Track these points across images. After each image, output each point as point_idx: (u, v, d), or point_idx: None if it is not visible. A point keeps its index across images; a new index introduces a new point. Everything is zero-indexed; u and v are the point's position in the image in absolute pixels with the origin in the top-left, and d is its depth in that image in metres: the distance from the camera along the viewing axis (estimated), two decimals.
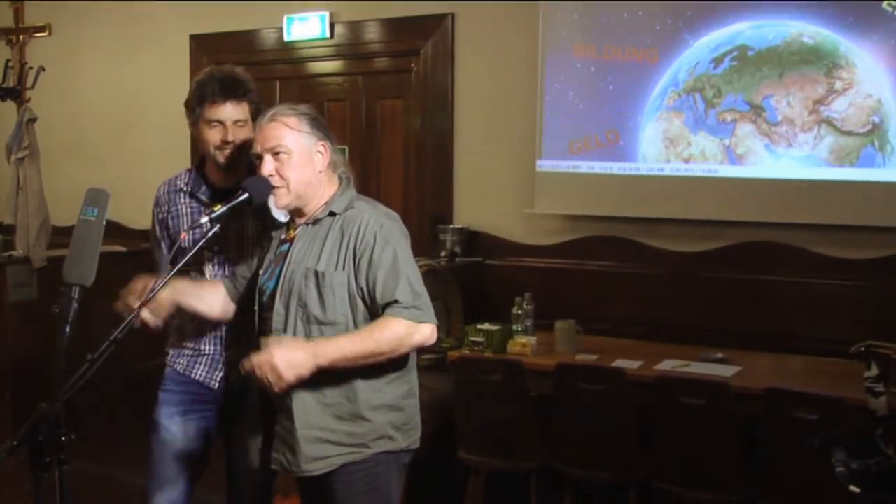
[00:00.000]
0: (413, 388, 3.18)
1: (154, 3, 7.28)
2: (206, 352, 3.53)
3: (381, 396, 3.05)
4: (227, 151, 3.40)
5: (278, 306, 3.03)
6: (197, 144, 3.58)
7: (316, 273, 2.99)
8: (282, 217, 3.08)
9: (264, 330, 3.10)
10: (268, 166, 3.00)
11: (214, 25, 7.02)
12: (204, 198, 3.48)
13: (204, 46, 7.12)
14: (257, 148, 3.04)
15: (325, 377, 2.95)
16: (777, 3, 5.12)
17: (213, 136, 3.39)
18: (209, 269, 3.48)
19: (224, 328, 3.49)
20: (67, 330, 2.34)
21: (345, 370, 2.96)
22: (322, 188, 3.09)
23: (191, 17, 7.13)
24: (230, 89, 3.38)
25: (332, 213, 3.07)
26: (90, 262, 2.45)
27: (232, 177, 3.44)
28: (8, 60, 6.73)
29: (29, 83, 6.66)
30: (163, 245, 3.59)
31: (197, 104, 3.40)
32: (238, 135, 3.38)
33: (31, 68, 6.70)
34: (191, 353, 3.55)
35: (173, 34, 7.22)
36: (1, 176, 6.54)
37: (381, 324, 2.95)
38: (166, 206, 3.57)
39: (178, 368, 3.56)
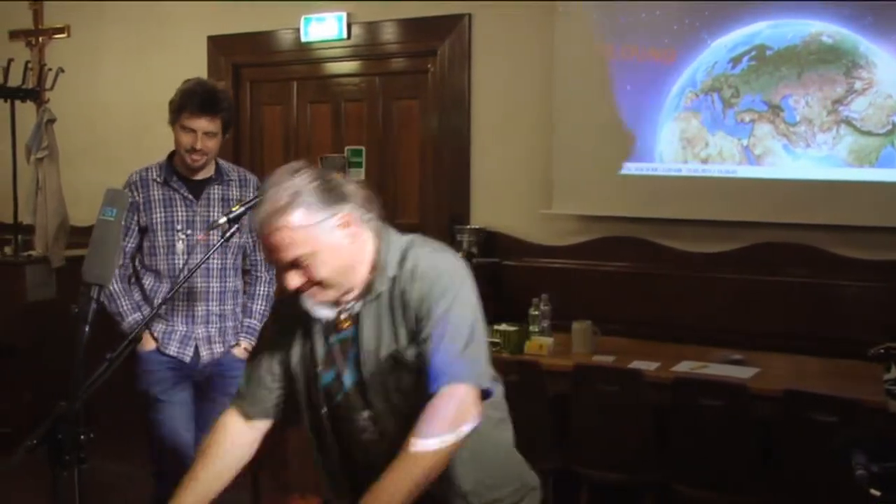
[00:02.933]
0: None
1: (172, 4, 7.30)
2: (178, 328, 3.99)
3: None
4: (195, 157, 3.92)
5: (360, 404, 2.45)
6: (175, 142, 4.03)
7: (396, 356, 2.40)
8: (329, 313, 2.43)
9: (345, 430, 2.51)
10: (293, 281, 2.36)
11: (232, 26, 7.03)
12: (176, 186, 3.99)
13: (221, 47, 7.14)
14: (270, 260, 2.40)
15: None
16: (796, 3, 5.10)
17: (186, 140, 3.91)
18: (180, 262, 3.95)
19: (194, 311, 4.00)
20: (87, 329, 2.35)
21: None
22: (360, 258, 2.43)
23: (208, 17, 7.15)
24: (208, 105, 3.88)
25: (391, 278, 2.45)
26: (109, 262, 2.46)
27: (205, 170, 4.05)
28: (27, 62, 6.77)
29: (48, 84, 6.70)
30: (126, 230, 3.93)
31: (178, 110, 3.92)
32: (207, 143, 3.90)
33: (49, 69, 6.74)
34: (164, 329, 3.99)
35: (191, 35, 7.24)
36: (20, 176, 6.57)
37: (405, 458, 2.26)
38: (139, 192, 3.98)
39: (149, 348, 3.99)
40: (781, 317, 5.26)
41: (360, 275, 2.42)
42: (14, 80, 6.58)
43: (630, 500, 4.58)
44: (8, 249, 6.67)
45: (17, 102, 6.62)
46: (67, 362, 2.32)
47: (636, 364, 4.64)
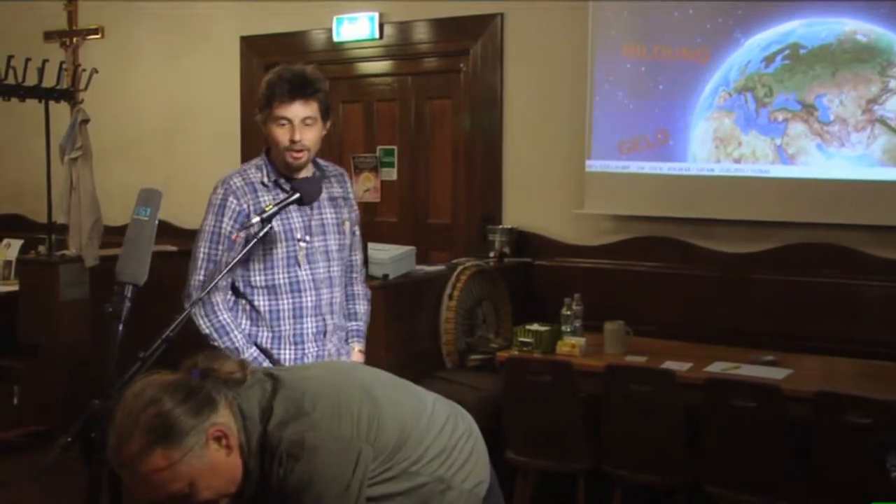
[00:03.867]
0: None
1: (205, 5, 7.34)
2: (310, 350, 3.51)
3: None
4: (297, 153, 3.39)
5: None
6: (269, 142, 3.53)
7: None
8: None
9: None
10: None
11: (264, 26, 7.06)
12: (287, 189, 3.42)
13: (254, 47, 7.17)
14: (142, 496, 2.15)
15: None
16: (830, 2, 5.07)
17: (282, 135, 3.37)
18: (303, 273, 3.47)
19: (321, 326, 3.52)
20: (120, 328, 2.36)
21: None
22: (239, 462, 2.20)
23: (241, 18, 7.18)
24: (298, 88, 3.36)
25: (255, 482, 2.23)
26: (143, 261, 2.48)
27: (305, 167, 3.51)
28: (62, 62, 6.82)
29: (82, 84, 6.74)
30: (226, 239, 3.42)
31: (266, 103, 3.39)
32: (306, 134, 3.37)
33: (84, 70, 6.78)
34: (294, 354, 3.50)
35: (224, 35, 7.28)
36: (54, 176, 6.62)
37: None
38: (245, 199, 3.42)
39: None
40: (814, 317, 5.22)
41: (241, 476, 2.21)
42: (48, 81, 6.63)
43: (662, 501, 4.56)
44: (42, 249, 6.73)
45: (52, 103, 6.66)
46: (101, 361, 2.34)
47: (668, 364, 4.63)
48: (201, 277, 3.41)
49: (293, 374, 2.33)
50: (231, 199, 3.41)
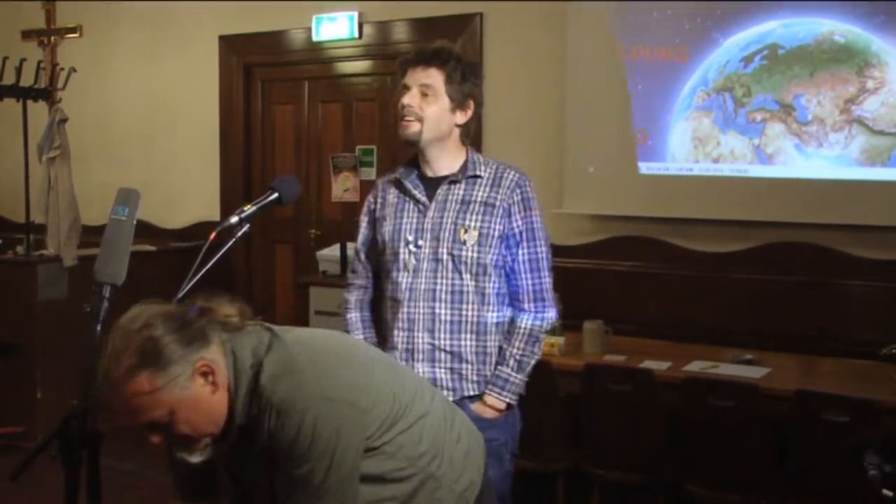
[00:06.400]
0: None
1: (183, 4, 7.32)
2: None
3: None
4: (405, 120, 3.15)
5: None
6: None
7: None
8: (204, 455, 2.26)
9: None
10: (153, 439, 2.19)
11: (243, 26, 7.05)
12: (410, 186, 3.23)
13: (233, 47, 7.15)
14: (125, 421, 2.17)
15: None
16: (808, 2, 5.09)
17: (399, 100, 3.17)
18: (404, 279, 3.18)
19: (409, 344, 3.18)
20: (98, 328, 2.35)
21: None
22: (225, 404, 2.21)
23: (220, 17, 7.17)
24: (423, 54, 3.16)
25: (249, 422, 2.23)
26: (121, 260, 2.46)
27: (443, 162, 3.25)
28: (40, 61, 6.79)
29: (60, 84, 6.72)
30: (361, 237, 3.35)
31: (399, 77, 3.23)
32: (419, 102, 3.13)
33: (62, 69, 6.76)
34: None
35: (202, 35, 7.26)
36: (32, 175, 6.59)
37: None
38: (378, 198, 3.31)
39: None
40: (793, 317, 5.25)
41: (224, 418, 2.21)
42: (26, 80, 6.60)
43: (641, 501, 4.57)
44: (20, 248, 6.69)
45: (30, 102, 6.64)
46: (79, 361, 2.33)
47: (647, 364, 4.63)
48: (348, 274, 3.44)
49: (293, 334, 2.32)
50: (370, 195, 3.38)
